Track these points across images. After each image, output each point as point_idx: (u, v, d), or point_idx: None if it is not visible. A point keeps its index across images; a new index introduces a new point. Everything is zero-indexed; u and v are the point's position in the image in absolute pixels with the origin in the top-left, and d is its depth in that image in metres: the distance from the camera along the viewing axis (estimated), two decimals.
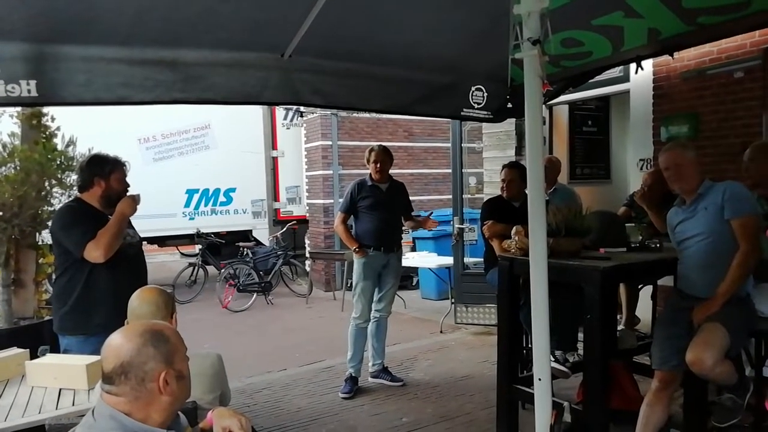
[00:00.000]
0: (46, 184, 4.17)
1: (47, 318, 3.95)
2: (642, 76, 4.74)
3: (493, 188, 6.29)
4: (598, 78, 4.56)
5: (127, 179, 3.06)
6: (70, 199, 3.19)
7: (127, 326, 1.47)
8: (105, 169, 2.94)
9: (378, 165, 4.37)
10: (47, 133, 4.38)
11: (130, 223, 3.11)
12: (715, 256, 2.71)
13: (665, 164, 2.87)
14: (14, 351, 2.74)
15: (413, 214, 4.74)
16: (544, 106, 3.96)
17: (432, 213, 5.04)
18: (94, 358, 2.46)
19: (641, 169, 5.51)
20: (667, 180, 2.91)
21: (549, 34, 2.00)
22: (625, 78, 5.57)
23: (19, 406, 2.28)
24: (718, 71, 4.78)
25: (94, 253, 2.76)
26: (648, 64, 4.77)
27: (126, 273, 2.87)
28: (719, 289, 2.65)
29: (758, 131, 4.48)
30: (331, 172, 9.52)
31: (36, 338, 3.47)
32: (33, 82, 2.45)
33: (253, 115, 10.14)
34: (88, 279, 2.83)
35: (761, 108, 4.48)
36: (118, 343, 1.36)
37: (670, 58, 4.00)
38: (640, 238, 3.41)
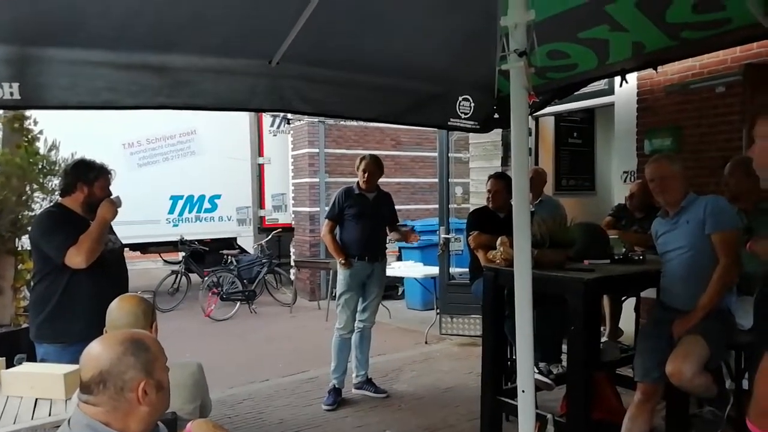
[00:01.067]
0: (27, 188, 4.12)
1: (25, 326, 3.87)
2: (626, 89, 4.81)
3: (479, 198, 6.32)
4: (583, 90, 4.62)
5: (111, 186, 3.02)
6: (51, 204, 3.14)
7: (107, 335, 1.44)
8: (89, 175, 2.90)
9: (367, 175, 4.37)
10: (29, 136, 4.33)
11: (111, 228, 3.07)
12: (696, 269, 2.73)
13: (650, 176, 2.91)
14: None
15: (399, 224, 4.74)
16: (530, 117, 3.99)
17: (414, 227, 5.02)
18: (71, 367, 2.41)
19: (625, 181, 5.56)
20: (651, 191, 2.94)
21: (535, 46, 2.01)
22: (610, 91, 5.64)
23: None
24: (701, 86, 4.86)
25: (76, 258, 2.72)
26: (632, 77, 4.84)
27: (106, 280, 2.82)
28: (699, 302, 2.67)
29: (738, 146, 4.55)
30: (317, 180, 9.50)
31: (13, 346, 3.40)
32: (16, 85, 2.41)
33: (240, 121, 10.10)
34: (66, 286, 2.78)
35: (741, 123, 4.56)
36: (98, 351, 1.33)
37: (654, 71, 4.06)
38: (623, 250, 3.44)
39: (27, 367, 2.60)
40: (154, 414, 1.37)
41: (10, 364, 2.66)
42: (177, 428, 1.85)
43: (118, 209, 2.91)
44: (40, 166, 4.16)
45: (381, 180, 4.50)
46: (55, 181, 4.22)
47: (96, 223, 2.81)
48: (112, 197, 2.92)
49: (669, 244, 2.87)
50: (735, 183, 3.25)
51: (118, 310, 2.03)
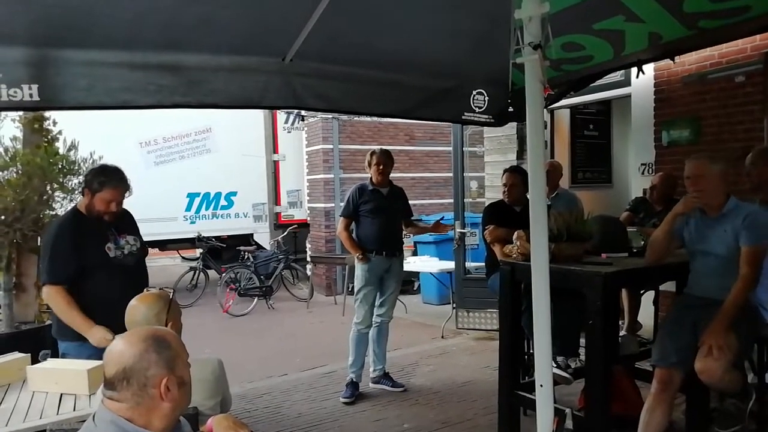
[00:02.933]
0: (48, 188, 4.18)
1: (48, 322, 3.94)
2: (643, 80, 4.75)
3: (494, 192, 6.29)
4: (599, 82, 4.56)
5: (115, 211, 2.87)
6: (70, 208, 3.11)
7: (130, 332, 1.47)
8: (93, 184, 2.81)
9: (380, 167, 4.37)
10: (49, 137, 4.40)
11: (134, 227, 3.06)
12: (730, 269, 2.68)
13: (687, 172, 2.83)
14: (15, 356, 2.75)
15: (413, 218, 4.74)
16: (545, 110, 3.96)
17: (443, 217, 5.03)
18: (95, 363, 2.45)
19: (642, 173, 5.50)
20: (687, 188, 2.87)
21: (550, 38, 1.99)
22: (627, 82, 5.58)
23: (20, 411, 2.28)
24: (719, 75, 4.78)
25: (44, 294, 2.79)
26: (649, 68, 4.78)
27: (124, 282, 2.78)
28: (722, 311, 2.59)
29: (760, 136, 4.47)
30: (332, 175, 9.52)
31: (37, 342, 3.45)
32: (35, 87, 2.45)
33: (254, 118, 10.15)
34: (86, 286, 2.79)
35: (762, 112, 4.48)
36: (121, 348, 1.36)
37: (671, 62, 4.00)
38: (642, 243, 3.41)
39: (52, 363, 2.66)
40: (177, 409, 1.39)
41: (35, 360, 2.72)
42: (198, 423, 1.88)
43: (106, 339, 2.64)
44: (60, 166, 4.22)
45: (395, 175, 4.51)
46: (75, 181, 4.29)
47: (76, 326, 2.71)
48: (108, 338, 2.60)
49: (704, 243, 2.82)
50: (757, 173, 3.20)
51: (132, 309, 2.07)
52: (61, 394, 2.42)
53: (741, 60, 4.62)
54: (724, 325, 2.56)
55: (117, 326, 2.06)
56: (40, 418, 2.21)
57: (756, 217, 2.71)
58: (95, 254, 2.82)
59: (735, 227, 2.70)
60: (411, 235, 5.56)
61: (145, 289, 2.31)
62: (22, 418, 2.21)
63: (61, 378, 2.47)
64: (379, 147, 4.54)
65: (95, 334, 2.69)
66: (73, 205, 3.30)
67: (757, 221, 2.69)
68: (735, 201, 2.79)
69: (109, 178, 2.83)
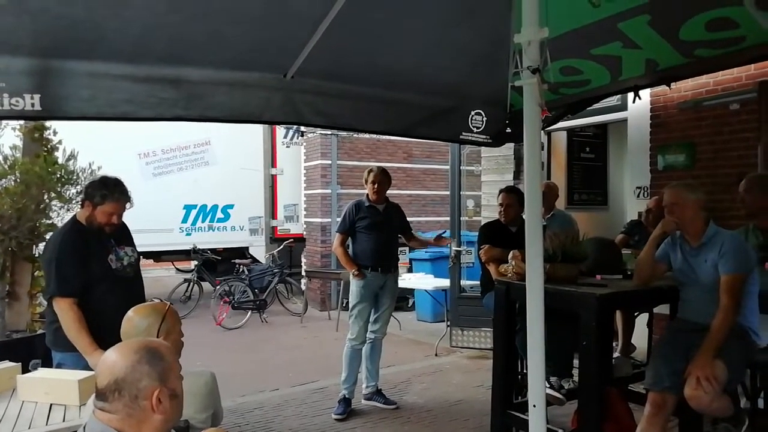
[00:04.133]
0: (46, 197, 4.19)
1: (40, 331, 3.92)
2: (639, 105, 4.80)
3: (490, 211, 6.31)
4: (596, 106, 4.61)
5: (117, 222, 2.89)
6: (68, 220, 3.10)
7: (123, 343, 1.46)
8: (95, 196, 2.80)
9: (376, 186, 4.40)
10: (49, 146, 4.41)
11: (130, 238, 3.07)
12: (716, 298, 2.70)
13: (665, 200, 2.91)
14: (6, 364, 2.73)
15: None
16: (542, 131, 4.00)
17: (446, 231, 5.03)
18: (86, 373, 2.44)
19: (638, 196, 5.54)
20: (665, 215, 2.92)
21: (548, 62, 2.03)
22: (623, 106, 5.64)
23: (9, 420, 2.26)
24: (715, 103, 4.84)
25: (57, 308, 2.72)
26: (645, 93, 4.84)
27: (121, 293, 2.78)
28: (706, 342, 2.61)
29: (754, 162, 4.51)
30: (329, 191, 9.55)
31: (28, 352, 3.43)
32: (37, 96, 2.47)
33: (254, 132, 10.20)
34: (87, 300, 2.76)
35: (757, 140, 4.53)
36: (113, 359, 1.35)
37: (668, 88, 4.05)
38: None
39: (42, 372, 2.64)
40: (168, 422, 1.38)
41: (25, 370, 2.70)
42: None
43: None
44: (58, 176, 4.23)
45: (393, 192, 4.54)
46: (73, 190, 4.29)
47: (80, 345, 2.69)
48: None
49: (690, 273, 2.86)
50: (751, 200, 3.23)
51: (126, 321, 2.06)
52: (51, 405, 2.40)
53: (736, 88, 4.68)
54: (709, 355, 2.58)
55: (117, 339, 2.04)
56: (29, 428, 2.19)
57: (733, 244, 2.73)
58: (99, 266, 2.81)
59: (713, 258, 2.73)
60: (413, 248, 5.58)
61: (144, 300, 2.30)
62: (10, 427, 2.20)
63: (51, 388, 2.45)
64: (376, 165, 4.59)
65: (92, 357, 2.64)
66: (70, 215, 3.30)
67: (732, 248, 2.71)
68: (714, 228, 2.82)
69: (111, 192, 2.82)
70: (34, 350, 3.56)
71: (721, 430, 2.92)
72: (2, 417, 2.30)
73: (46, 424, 2.22)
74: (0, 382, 2.61)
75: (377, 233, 4.39)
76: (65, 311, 2.70)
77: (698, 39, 2.88)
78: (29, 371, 2.67)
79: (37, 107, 2.48)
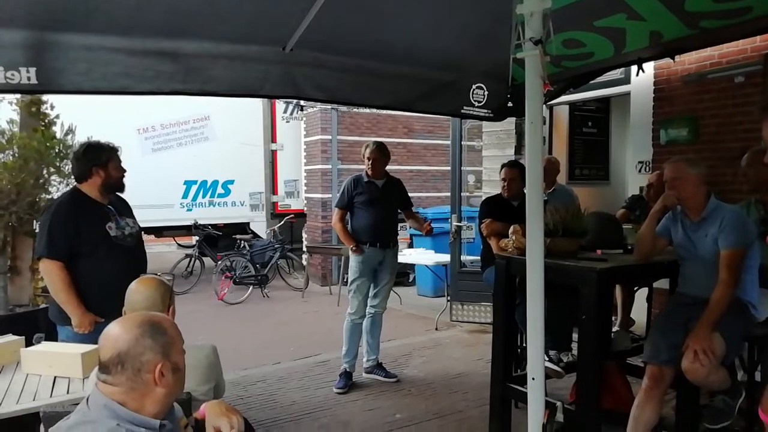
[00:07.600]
0: (44, 171, 4.17)
1: (43, 306, 3.95)
2: (643, 78, 4.75)
3: (491, 186, 6.30)
4: (599, 79, 4.56)
5: (126, 169, 3.03)
6: (69, 188, 3.15)
7: (126, 317, 1.47)
8: (102, 158, 2.91)
9: (371, 162, 4.38)
10: (46, 120, 4.37)
11: (130, 211, 3.09)
12: (715, 273, 2.70)
13: (666, 175, 2.89)
14: (9, 338, 2.75)
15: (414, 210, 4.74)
16: (544, 106, 3.97)
17: (427, 216, 5.03)
18: (89, 346, 2.46)
19: (640, 171, 5.51)
20: (666, 190, 2.91)
21: (551, 34, 2.00)
22: (626, 80, 5.58)
23: (14, 393, 2.29)
24: (719, 75, 4.78)
25: (43, 269, 2.80)
26: (649, 66, 4.78)
27: (124, 264, 2.84)
28: (705, 315, 2.62)
29: (758, 136, 4.45)
30: (329, 166, 9.52)
31: (32, 326, 3.47)
32: (33, 70, 2.44)
33: (253, 107, 10.12)
34: (85, 269, 2.81)
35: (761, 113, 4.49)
36: (116, 333, 1.36)
37: (672, 61, 4.00)
38: None
39: (46, 346, 2.67)
40: (170, 395, 1.40)
41: (29, 343, 2.72)
42: (191, 408, 1.89)
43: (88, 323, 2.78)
44: (56, 150, 4.20)
45: (393, 167, 4.51)
46: (71, 165, 4.27)
47: (65, 305, 2.77)
48: (89, 328, 2.77)
49: (690, 248, 2.85)
50: (754, 174, 3.21)
51: (135, 292, 2.04)
52: (55, 377, 2.43)
53: (741, 60, 4.62)
54: (707, 328, 2.59)
55: (115, 305, 2.05)
56: (34, 400, 2.22)
57: (733, 218, 2.72)
58: (96, 232, 2.85)
59: (713, 233, 2.73)
60: (410, 227, 5.56)
61: (141, 275, 2.31)
62: (15, 400, 2.23)
63: (55, 361, 2.48)
64: (374, 141, 4.54)
65: (82, 318, 2.73)
66: (69, 188, 3.30)
67: (732, 223, 2.70)
68: (715, 203, 2.81)
69: (108, 149, 2.96)
70: (37, 324, 3.60)
71: (718, 402, 2.95)
72: (7, 389, 2.33)
73: (50, 396, 2.25)
74: (4, 355, 2.64)
75: (375, 209, 4.38)
76: (52, 273, 2.76)
77: (704, 10, 2.83)
78: (33, 345, 2.70)
79: (33, 81, 2.45)
